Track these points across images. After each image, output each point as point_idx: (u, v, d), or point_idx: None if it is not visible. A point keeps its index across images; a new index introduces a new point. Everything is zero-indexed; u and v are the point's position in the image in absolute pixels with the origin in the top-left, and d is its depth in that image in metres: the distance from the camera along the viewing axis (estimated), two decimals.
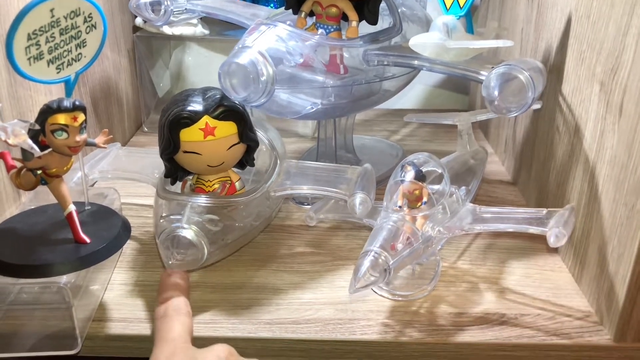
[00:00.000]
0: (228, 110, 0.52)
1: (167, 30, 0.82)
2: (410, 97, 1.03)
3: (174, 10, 0.68)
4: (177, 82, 1.00)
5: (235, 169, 0.58)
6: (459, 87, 1.02)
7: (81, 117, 0.44)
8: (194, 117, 0.51)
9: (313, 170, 0.60)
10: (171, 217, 0.51)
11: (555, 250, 0.60)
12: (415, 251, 0.50)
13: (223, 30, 0.88)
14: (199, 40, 0.96)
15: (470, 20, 0.63)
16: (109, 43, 0.78)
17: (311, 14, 0.62)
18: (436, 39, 0.57)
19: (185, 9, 0.69)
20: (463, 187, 0.57)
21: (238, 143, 0.54)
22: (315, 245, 0.61)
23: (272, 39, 0.55)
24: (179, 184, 0.58)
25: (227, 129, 0.53)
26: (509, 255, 0.60)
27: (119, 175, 0.64)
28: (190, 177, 0.57)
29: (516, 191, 0.73)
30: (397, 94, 0.70)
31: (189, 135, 0.52)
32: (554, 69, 0.62)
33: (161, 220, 0.51)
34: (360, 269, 0.46)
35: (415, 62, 0.59)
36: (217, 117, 0.52)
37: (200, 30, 0.84)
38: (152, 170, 0.62)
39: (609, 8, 0.50)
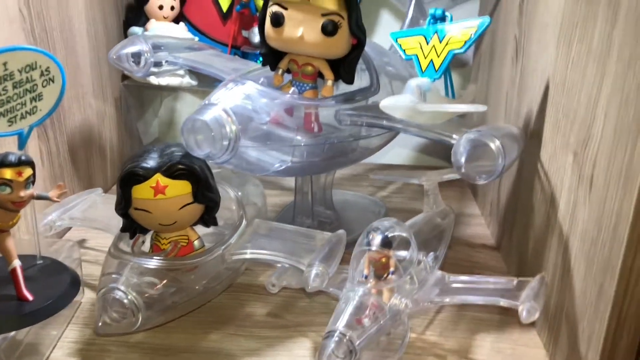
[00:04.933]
0: (181, 169, 0.51)
1: (153, 80, 0.82)
2: (399, 151, 1.01)
3: (155, 61, 0.68)
4: (168, 130, 1.00)
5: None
6: None
7: (27, 172, 0.44)
8: (145, 174, 0.50)
9: (282, 233, 0.58)
10: (112, 275, 0.49)
11: (531, 323, 0.57)
12: (382, 327, 0.47)
13: (215, 81, 0.88)
14: (192, 89, 0.96)
15: (451, 83, 0.63)
16: (93, 91, 0.78)
17: (288, 71, 0.61)
18: (407, 101, 0.55)
19: (166, 61, 0.69)
20: (431, 253, 0.55)
21: (192, 203, 0.52)
22: (280, 308, 0.59)
23: (239, 96, 0.54)
24: None
25: (180, 188, 0.51)
26: (480, 327, 0.57)
27: (86, 224, 0.63)
28: (149, 233, 0.56)
29: (498, 257, 0.70)
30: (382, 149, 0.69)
31: (140, 193, 0.50)
32: (535, 134, 0.60)
33: (102, 277, 0.50)
34: (324, 351, 0.44)
35: (388, 124, 0.58)
36: (169, 176, 0.50)
37: (187, 81, 0.83)
38: (117, 222, 0.61)
39: (581, 77, 0.49)
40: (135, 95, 0.89)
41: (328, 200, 0.74)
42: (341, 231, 0.57)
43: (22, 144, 0.46)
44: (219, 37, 0.89)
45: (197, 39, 0.84)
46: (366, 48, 0.65)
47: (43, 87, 0.46)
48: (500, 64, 0.75)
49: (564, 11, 0.53)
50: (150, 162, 0.51)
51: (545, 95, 0.57)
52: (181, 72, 0.82)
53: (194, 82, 0.85)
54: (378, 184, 0.90)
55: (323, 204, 0.73)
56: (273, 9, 0.57)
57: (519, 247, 0.64)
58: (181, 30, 0.83)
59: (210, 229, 0.57)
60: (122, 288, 0.49)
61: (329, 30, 0.56)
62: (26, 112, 0.46)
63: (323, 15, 0.56)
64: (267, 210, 0.70)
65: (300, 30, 0.56)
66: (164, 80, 0.82)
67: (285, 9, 0.57)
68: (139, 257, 0.52)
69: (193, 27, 0.89)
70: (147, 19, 0.83)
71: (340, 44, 0.58)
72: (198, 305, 0.57)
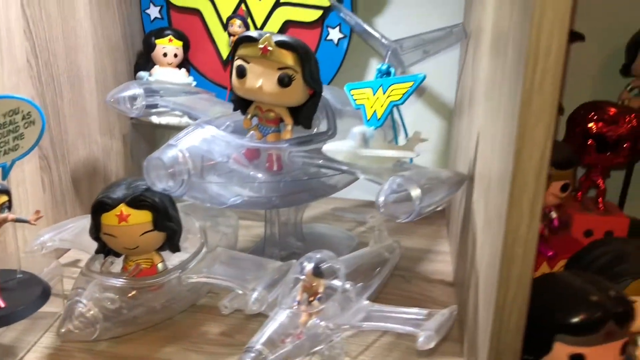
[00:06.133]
0: (142, 200, 0.59)
1: (155, 119, 0.91)
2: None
3: (149, 104, 0.78)
4: None
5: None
6: None
7: (2, 198, 0.52)
8: (112, 204, 0.58)
9: (238, 261, 0.65)
10: (78, 290, 0.57)
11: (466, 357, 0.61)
12: (300, 347, 0.53)
13: None
14: None
15: (395, 130, 0.69)
16: (100, 129, 0.88)
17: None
18: (348, 146, 0.62)
19: (158, 104, 0.78)
20: (360, 284, 0.60)
21: (152, 230, 0.60)
22: (233, 329, 0.65)
23: (197, 138, 0.62)
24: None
25: (141, 217, 0.59)
26: (411, 357, 0.61)
27: (74, 246, 0.72)
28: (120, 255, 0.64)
29: (452, 293, 0.75)
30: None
31: (107, 219, 0.59)
32: (472, 178, 0.65)
33: (71, 291, 0.58)
34: None
35: (335, 166, 0.65)
36: (131, 206, 0.58)
37: (185, 120, 0.92)
38: None
39: (491, 127, 0.54)
40: (142, 133, 0.99)
41: (299, 232, 0.80)
42: (293, 261, 0.63)
43: (4, 175, 0.55)
44: (220, 81, 0.98)
45: (194, 83, 0.93)
46: (329, 95, 0.72)
47: (25, 128, 0.55)
48: (461, 112, 0.80)
49: (488, 68, 0.59)
50: (117, 194, 0.59)
51: (476, 148, 0.63)
52: (179, 112, 0.91)
53: (192, 122, 0.94)
54: (360, 219, 0.96)
55: (294, 235, 0.80)
56: (238, 62, 0.65)
57: (467, 285, 0.68)
58: (181, 76, 0.93)
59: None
60: (84, 301, 0.57)
61: (284, 82, 0.63)
62: (9, 149, 0.55)
63: (279, 69, 0.63)
64: (236, 239, 0.77)
65: (260, 82, 0.64)
66: (164, 120, 0.91)
67: (248, 62, 0.65)
68: (103, 276, 0.60)
69: (197, 72, 0.99)
70: (154, 65, 0.93)
71: (295, 94, 0.65)
72: (158, 321, 0.64)
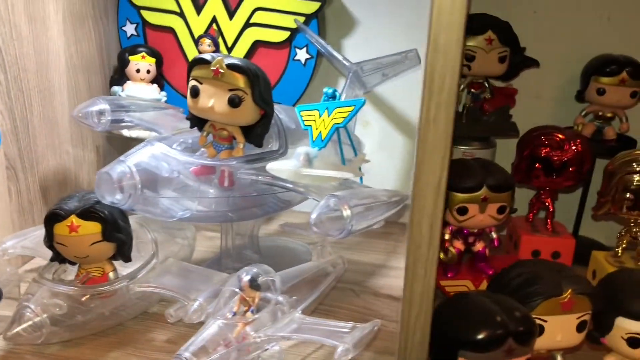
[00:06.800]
0: (92, 212, 0.62)
1: (125, 133, 0.94)
2: None
3: (114, 119, 0.81)
4: None
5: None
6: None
7: None
8: (63, 215, 0.62)
9: (187, 272, 0.68)
10: (29, 295, 0.60)
11: None
12: (228, 356, 0.56)
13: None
14: None
15: (341, 151, 0.72)
16: (72, 141, 0.91)
17: None
18: (290, 166, 0.65)
19: (124, 119, 0.82)
20: (295, 297, 0.63)
21: (102, 241, 0.63)
22: (179, 337, 0.68)
23: (146, 155, 0.65)
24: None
25: (90, 228, 0.63)
26: None
27: (35, 253, 0.75)
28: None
29: (396, 306, 0.78)
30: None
31: (59, 230, 0.62)
32: None
33: (22, 297, 0.61)
34: None
35: (280, 184, 0.68)
36: (81, 217, 0.62)
37: (154, 134, 0.96)
38: None
39: None
40: (116, 145, 1.02)
41: (255, 245, 0.83)
42: (237, 273, 0.66)
43: None
44: None
45: (165, 99, 0.97)
46: (284, 115, 0.76)
47: None
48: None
49: None
50: (69, 205, 0.63)
51: None
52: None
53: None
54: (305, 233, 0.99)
55: (251, 248, 0.83)
56: (192, 83, 0.69)
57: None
58: (153, 91, 0.96)
59: None
60: (32, 306, 0.60)
61: (234, 103, 0.67)
62: None
63: (230, 90, 0.67)
64: (192, 250, 0.80)
65: (211, 102, 0.68)
66: (134, 133, 0.94)
67: (201, 83, 0.68)
68: (53, 283, 0.63)
69: (171, 87, 1.02)
70: (128, 80, 0.97)
71: (245, 114, 0.68)
72: (108, 327, 0.67)
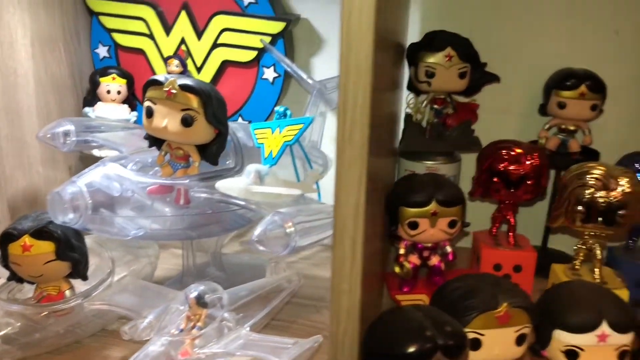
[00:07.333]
0: (45, 231, 0.64)
1: (96, 153, 0.96)
2: None
3: (80, 139, 0.83)
4: None
5: None
6: None
7: None
8: (17, 235, 0.63)
9: (143, 290, 0.70)
10: None
11: None
12: None
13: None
14: None
15: (295, 168, 0.73)
16: (42, 161, 0.93)
17: None
18: (241, 183, 0.67)
19: (86, 139, 0.84)
20: (242, 314, 0.64)
21: (55, 260, 0.65)
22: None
23: (98, 175, 0.67)
24: None
25: (44, 248, 0.64)
26: None
27: None
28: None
29: None
30: None
31: (13, 249, 0.64)
32: None
33: None
34: None
35: (232, 201, 0.69)
36: (34, 236, 0.64)
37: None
38: None
39: None
40: (88, 165, 1.03)
41: (218, 262, 0.84)
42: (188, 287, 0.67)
43: None
44: None
45: (134, 119, 0.98)
46: (241, 133, 0.77)
47: None
48: None
49: None
50: (23, 225, 0.64)
51: None
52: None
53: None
54: None
55: (214, 265, 0.84)
56: (146, 103, 0.70)
57: None
58: (123, 112, 0.98)
59: None
60: None
61: (187, 122, 0.68)
62: None
63: (182, 110, 0.68)
64: (154, 268, 0.81)
65: (165, 122, 0.69)
66: (104, 153, 0.96)
67: (155, 104, 0.70)
68: (5, 302, 0.64)
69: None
70: (99, 101, 0.99)
71: (198, 133, 0.70)
72: (64, 345, 0.68)
